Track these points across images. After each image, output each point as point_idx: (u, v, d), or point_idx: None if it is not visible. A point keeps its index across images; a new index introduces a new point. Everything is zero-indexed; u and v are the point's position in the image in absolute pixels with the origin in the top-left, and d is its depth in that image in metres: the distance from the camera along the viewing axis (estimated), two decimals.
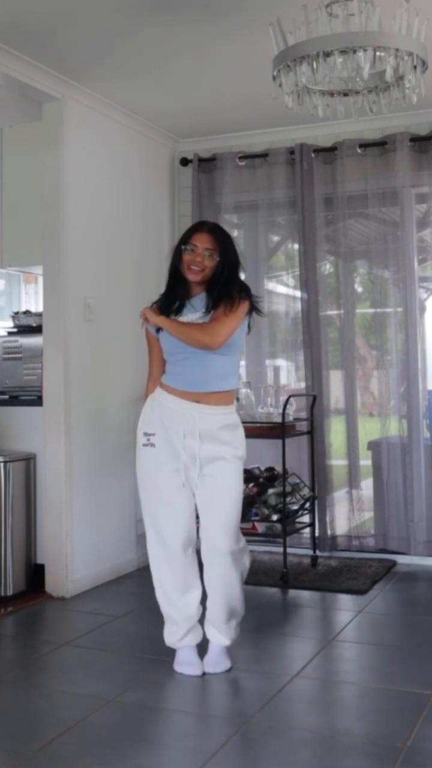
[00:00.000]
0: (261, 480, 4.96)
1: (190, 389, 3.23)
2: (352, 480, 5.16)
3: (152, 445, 3.25)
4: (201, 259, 3.19)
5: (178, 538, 3.25)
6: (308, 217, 5.17)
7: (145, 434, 3.28)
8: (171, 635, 3.35)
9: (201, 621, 3.35)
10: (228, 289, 3.22)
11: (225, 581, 3.25)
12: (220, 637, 3.31)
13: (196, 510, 3.30)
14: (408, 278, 4.99)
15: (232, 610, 3.31)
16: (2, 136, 4.95)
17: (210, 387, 3.22)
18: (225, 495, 3.22)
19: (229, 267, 3.24)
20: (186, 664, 3.30)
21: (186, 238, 3.24)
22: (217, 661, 3.31)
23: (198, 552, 3.34)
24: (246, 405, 4.89)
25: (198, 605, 3.32)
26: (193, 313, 3.24)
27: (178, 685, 3.22)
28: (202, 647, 3.35)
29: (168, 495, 3.24)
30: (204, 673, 3.26)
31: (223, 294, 3.21)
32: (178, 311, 3.26)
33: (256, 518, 4.77)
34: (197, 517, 3.31)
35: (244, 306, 3.23)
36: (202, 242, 3.20)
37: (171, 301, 3.28)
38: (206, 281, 3.24)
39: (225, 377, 3.26)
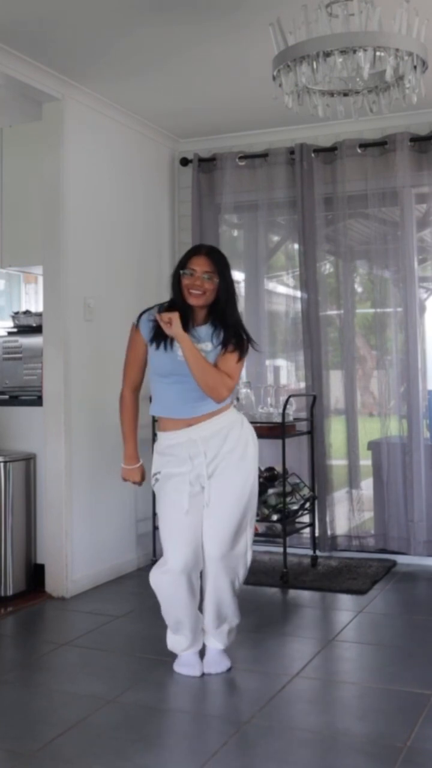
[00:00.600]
0: (261, 480, 4.95)
1: (180, 416, 3.20)
2: (352, 480, 5.16)
3: (158, 480, 3.28)
4: (200, 283, 3.16)
5: (190, 561, 3.20)
6: (308, 217, 5.17)
7: (153, 474, 3.30)
8: (176, 644, 3.35)
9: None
10: (236, 329, 3.22)
11: (215, 586, 3.24)
12: (214, 641, 3.34)
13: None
14: (408, 278, 4.99)
15: (222, 617, 3.30)
16: (2, 136, 4.95)
17: (199, 411, 3.20)
18: (223, 501, 3.21)
19: (228, 291, 3.23)
20: (186, 665, 3.31)
21: (184, 263, 3.22)
22: (216, 662, 3.32)
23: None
24: (246, 405, 4.89)
25: (198, 615, 3.32)
26: (199, 343, 3.19)
27: (178, 685, 3.23)
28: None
29: (179, 523, 3.21)
30: (203, 674, 3.27)
31: (232, 333, 3.20)
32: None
33: (256, 518, 4.76)
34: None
35: (244, 353, 3.26)
36: (201, 265, 3.18)
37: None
38: (208, 306, 3.22)
39: (209, 400, 3.19)
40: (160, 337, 3.20)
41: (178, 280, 3.22)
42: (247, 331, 3.28)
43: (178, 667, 3.32)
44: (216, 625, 3.31)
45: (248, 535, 3.35)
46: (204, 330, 3.23)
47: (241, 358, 3.23)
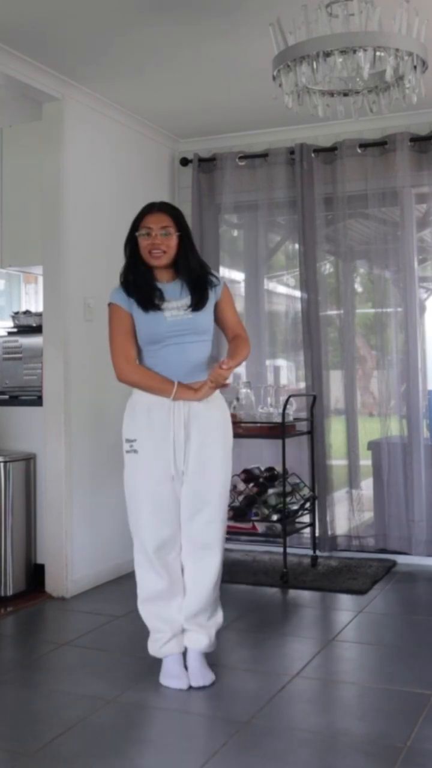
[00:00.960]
0: (261, 480, 4.96)
1: (171, 378, 3.13)
2: (352, 480, 5.16)
3: (134, 451, 3.17)
4: (160, 241, 3.12)
5: (161, 537, 3.16)
6: (308, 217, 5.17)
7: (127, 440, 3.19)
8: (154, 642, 3.25)
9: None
10: (203, 275, 3.21)
11: (210, 573, 3.19)
12: (201, 638, 3.22)
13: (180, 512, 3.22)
14: (408, 278, 4.99)
15: (214, 608, 3.25)
16: (2, 136, 4.95)
17: (190, 377, 3.14)
18: (212, 486, 3.18)
19: (188, 240, 3.20)
20: (172, 676, 3.18)
21: (137, 223, 3.17)
22: (201, 673, 3.19)
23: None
24: (246, 405, 4.89)
25: (181, 612, 3.23)
26: (176, 301, 3.16)
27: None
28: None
29: (151, 501, 3.15)
30: (190, 687, 3.15)
31: (202, 282, 3.20)
32: (161, 303, 3.15)
33: (256, 518, 4.77)
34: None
35: (228, 288, 3.31)
36: (156, 222, 3.14)
37: (149, 294, 3.14)
38: (171, 261, 3.18)
39: (203, 367, 3.19)
40: (146, 302, 3.13)
41: (135, 244, 3.17)
42: (211, 269, 3.30)
43: (164, 678, 3.18)
44: (210, 616, 3.22)
45: (222, 520, 3.26)
46: (172, 286, 3.19)
47: (232, 302, 3.31)
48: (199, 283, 3.20)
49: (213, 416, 3.20)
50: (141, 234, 3.15)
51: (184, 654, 3.25)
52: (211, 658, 3.32)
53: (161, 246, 3.13)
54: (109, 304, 3.23)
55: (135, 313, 3.16)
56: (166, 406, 3.13)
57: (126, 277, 3.21)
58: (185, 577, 3.22)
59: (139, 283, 3.17)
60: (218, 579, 3.24)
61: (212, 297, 3.23)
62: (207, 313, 3.20)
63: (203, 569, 3.20)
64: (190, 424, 3.14)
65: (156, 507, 3.16)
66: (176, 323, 3.13)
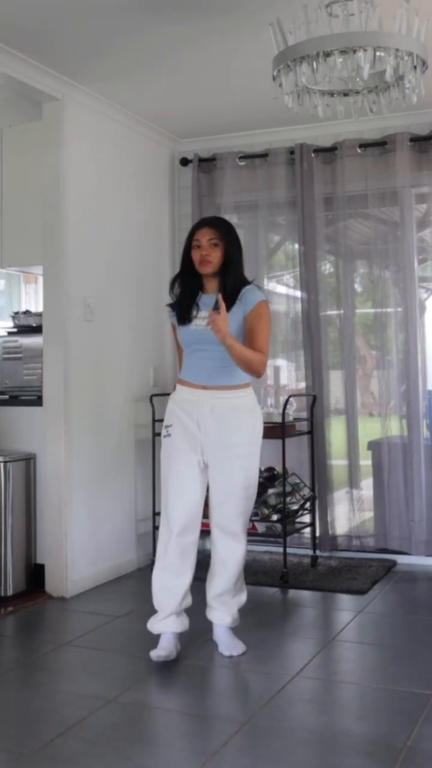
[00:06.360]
0: (261, 480, 4.95)
1: (198, 381, 3.43)
2: (353, 480, 5.16)
3: (169, 435, 3.46)
4: (208, 252, 3.37)
5: (180, 522, 3.40)
6: (308, 217, 5.17)
7: (165, 427, 3.50)
8: (153, 618, 3.49)
9: (187, 611, 3.49)
10: (235, 286, 3.39)
11: (236, 558, 3.45)
12: (225, 616, 3.50)
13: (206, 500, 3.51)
14: (408, 278, 4.99)
15: (239, 588, 3.53)
16: (2, 136, 4.94)
17: (214, 381, 3.40)
18: (234, 481, 3.41)
19: (233, 253, 3.40)
20: (161, 648, 3.41)
21: (190, 239, 3.44)
22: (231, 644, 3.48)
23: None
24: None
25: (186, 592, 3.45)
26: (206, 311, 3.39)
27: (177, 685, 3.23)
28: (191, 641, 3.34)
29: (179, 480, 3.41)
30: (175, 659, 3.38)
31: (231, 295, 3.37)
32: (196, 315, 3.43)
33: (256, 518, 4.77)
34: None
35: (267, 310, 3.44)
36: (204, 235, 3.40)
37: (186, 307, 3.45)
38: (218, 272, 3.42)
39: (229, 372, 3.40)
40: (181, 316, 3.46)
41: (188, 256, 3.44)
42: (254, 284, 3.47)
43: (154, 651, 3.41)
44: (230, 596, 3.50)
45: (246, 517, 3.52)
46: (209, 298, 3.42)
47: (263, 320, 3.39)
48: (229, 295, 3.38)
49: (239, 414, 3.42)
50: (193, 247, 3.43)
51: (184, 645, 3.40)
52: (211, 659, 3.32)
53: (208, 256, 3.38)
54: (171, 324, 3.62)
55: (177, 325, 3.52)
56: (196, 401, 3.41)
57: (172, 290, 3.54)
58: (213, 560, 3.51)
59: (182, 296, 3.48)
60: (243, 562, 3.50)
61: (239, 310, 3.38)
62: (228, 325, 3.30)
63: (230, 553, 3.46)
64: (212, 419, 3.38)
65: (179, 491, 3.42)
66: (198, 332, 3.40)
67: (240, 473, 3.41)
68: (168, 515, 3.44)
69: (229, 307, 3.32)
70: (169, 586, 3.44)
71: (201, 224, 3.47)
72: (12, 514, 4.43)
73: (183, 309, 3.45)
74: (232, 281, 3.40)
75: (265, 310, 3.41)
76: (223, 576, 3.48)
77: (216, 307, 3.26)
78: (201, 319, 3.39)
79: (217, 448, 3.39)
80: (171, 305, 3.54)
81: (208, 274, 3.41)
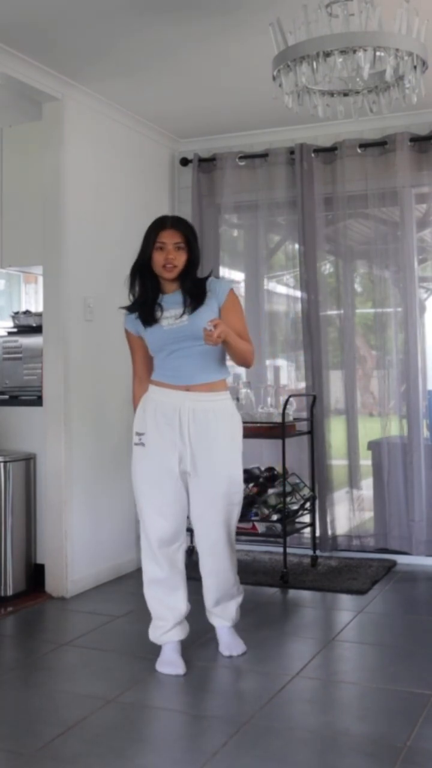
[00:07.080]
0: (261, 480, 4.96)
1: (179, 382, 3.29)
2: (353, 480, 5.16)
3: (142, 444, 3.31)
4: (173, 256, 3.25)
5: (163, 539, 3.30)
6: (308, 217, 5.17)
7: (137, 434, 3.34)
8: (156, 629, 3.38)
9: (187, 618, 3.43)
10: (199, 285, 3.31)
11: (224, 565, 3.37)
12: (225, 620, 3.46)
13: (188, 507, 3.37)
14: (408, 278, 4.99)
15: (236, 590, 3.48)
16: (2, 136, 4.94)
17: (197, 380, 3.29)
18: (216, 489, 3.29)
19: (195, 254, 3.32)
20: (168, 663, 3.30)
21: (153, 238, 3.29)
22: (232, 644, 3.45)
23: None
24: (246, 405, 4.89)
25: (185, 601, 3.37)
26: (173, 310, 3.28)
27: (178, 686, 3.22)
28: (191, 641, 3.34)
29: (157, 491, 3.29)
30: (185, 673, 3.26)
31: (198, 289, 3.29)
32: (160, 315, 3.31)
33: (256, 518, 4.77)
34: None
35: (237, 296, 3.38)
36: (170, 238, 3.26)
37: (150, 309, 3.30)
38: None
39: (210, 369, 3.31)
40: (146, 318, 3.30)
41: (147, 254, 3.30)
42: (215, 275, 3.44)
43: (160, 665, 3.32)
44: (227, 599, 3.45)
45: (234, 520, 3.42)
46: (172, 297, 3.31)
47: (239, 311, 3.36)
48: (194, 290, 3.29)
49: (219, 420, 3.30)
50: (156, 248, 3.28)
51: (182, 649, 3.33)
52: (211, 659, 3.32)
53: (174, 261, 3.26)
54: (125, 329, 3.44)
55: (141, 329, 3.34)
56: (174, 406, 3.27)
57: (131, 292, 3.36)
58: (202, 570, 3.40)
59: (142, 299, 3.33)
60: (234, 567, 3.42)
61: (212, 302, 3.31)
62: (204, 318, 3.23)
63: (218, 562, 3.37)
64: (195, 426, 3.25)
65: (159, 501, 3.29)
66: (172, 331, 3.27)
67: (224, 481, 3.30)
68: (147, 531, 3.31)
69: (200, 304, 3.26)
70: (167, 601, 3.34)
71: (164, 225, 3.29)
72: (12, 514, 4.43)
73: (147, 311, 3.30)
74: (191, 281, 3.30)
75: (236, 296, 3.39)
76: (215, 585, 3.41)
77: (182, 305, 3.25)
78: (172, 318, 3.27)
79: (200, 455, 3.26)
80: (129, 308, 3.36)
81: (171, 279, 3.29)
